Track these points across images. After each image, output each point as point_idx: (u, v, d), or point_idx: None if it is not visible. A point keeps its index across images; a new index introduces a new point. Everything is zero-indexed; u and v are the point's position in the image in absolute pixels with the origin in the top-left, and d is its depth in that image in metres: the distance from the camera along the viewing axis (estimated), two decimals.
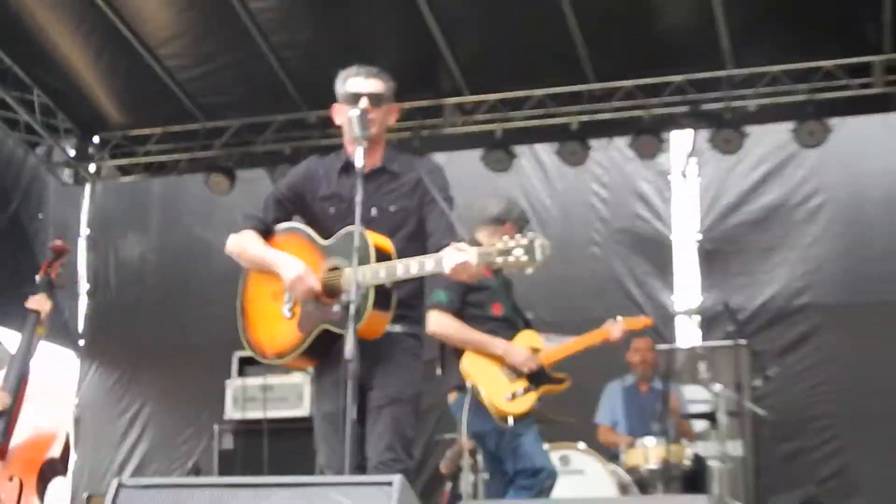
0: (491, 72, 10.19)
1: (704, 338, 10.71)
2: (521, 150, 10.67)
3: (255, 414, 9.37)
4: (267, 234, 4.99)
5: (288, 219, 5.04)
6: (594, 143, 10.33)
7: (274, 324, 4.85)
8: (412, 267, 4.49)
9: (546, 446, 7.80)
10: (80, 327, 12.24)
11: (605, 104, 10.20)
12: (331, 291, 4.67)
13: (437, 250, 4.57)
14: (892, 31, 9.43)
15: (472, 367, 6.32)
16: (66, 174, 11.24)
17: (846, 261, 10.67)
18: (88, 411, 12.10)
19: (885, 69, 9.71)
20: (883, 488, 9.89)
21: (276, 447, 8.95)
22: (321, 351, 4.76)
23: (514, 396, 6.32)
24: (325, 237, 4.84)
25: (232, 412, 9.52)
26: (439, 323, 6.33)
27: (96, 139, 11.25)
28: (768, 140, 10.74)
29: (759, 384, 8.53)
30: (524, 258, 4.19)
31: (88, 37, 10.01)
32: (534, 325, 6.81)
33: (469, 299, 6.42)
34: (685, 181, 11.09)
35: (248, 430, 9.38)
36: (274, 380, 9.39)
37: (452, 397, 6.46)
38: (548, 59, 10.05)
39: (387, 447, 4.66)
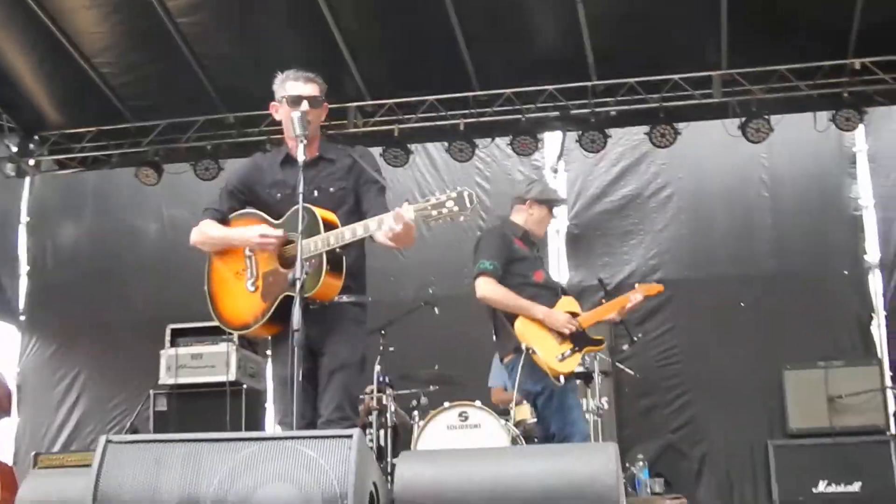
0: (389, 80, 10.25)
1: None
2: (416, 147, 10.72)
3: (185, 379, 9.30)
4: (224, 222, 5.09)
5: (241, 207, 5.18)
6: (479, 141, 10.40)
7: (240, 299, 4.99)
8: (358, 230, 4.71)
9: (447, 404, 7.99)
10: (21, 304, 12.15)
11: (487, 108, 10.30)
12: (288, 262, 4.74)
13: None
14: (728, 51, 9.71)
15: (526, 330, 6.23)
16: (9, 168, 11.07)
17: (691, 243, 11.14)
18: (29, 379, 12.00)
19: (723, 82, 10.00)
20: (722, 434, 10.29)
21: (206, 408, 8.92)
22: (283, 318, 4.84)
23: (563, 357, 6.20)
24: (276, 219, 5.02)
25: (166, 378, 9.40)
26: (486, 288, 6.30)
27: (37, 137, 11.06)
28: (626, 141, 11.03)
29: (626, 348, 8.73)
30: (455, 208, 4.43)
31: (33, 47, 9.96)
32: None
33: (512, 269, 6.35)
34: (556, 175, 11.28)
35: (179, 394, 9.30)
36: (203, 349, 9.36)
37: (508, 359, 6.44)
38: (438, 69, 10.10)
39: (336, 407, 4.84)
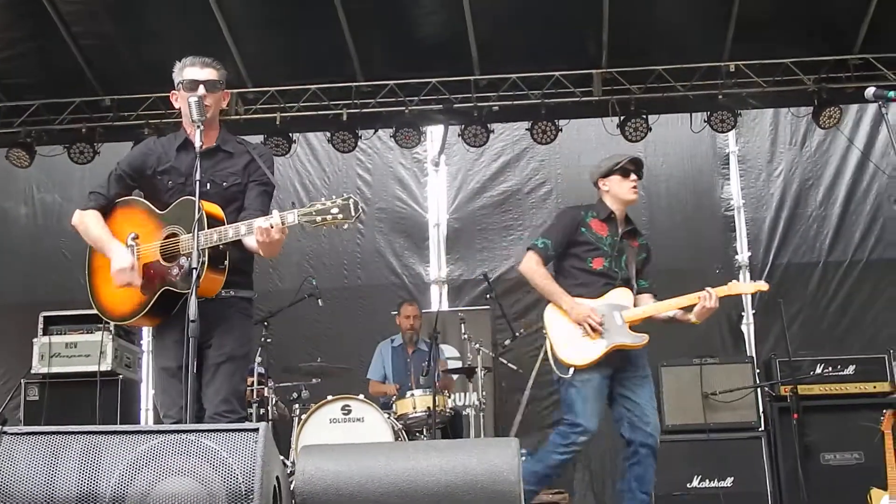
0: (271, 67, 10.10)
1: (451, 304, 10.97)
2: (297, 137, 10.62)
3: (59, 369, 9.01)
4: (109, 207, 4.91)
5: (128, 193, 5.14)
6: (361, 133, 10.33)
7: (119, 289, 4.78)
8: (241, 229, 4.63)
9: (330, 396, 7.95)
10: None
11: (371, 99, 10.24)
12: (169, 256, 4.67)
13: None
14: (609, 50, 9.87)
15: (550, 318, 6.09)
16: None
17: None
18: None
19: (603, 81, 10.15)
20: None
21: (79, 399, 8.67)
22: (163, 310, 4.84)
23: (580, 349, 5.93)
24: (162, 208, 4.92)
25: (38, 367, 9.09)
26: (528, 264, 6.15)
27: None
28: (507, 136, 11.14)
29: (507, 343, 8.80)
30: (340, 216, 4.45)
31: None
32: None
33: (573, 251, 6.14)
34: (437, 169, 11.33)
35: (52, 383, 9.00)
36: (78, 338, 9.08)
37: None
38: (322, 57, 10.01)
39: (223, 400, 4.76)
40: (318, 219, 4.40)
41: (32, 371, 9.14)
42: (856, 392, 8.48)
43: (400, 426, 8.14)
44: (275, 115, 10.22)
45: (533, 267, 6.12)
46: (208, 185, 4.85)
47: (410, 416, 8.26)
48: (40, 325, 9.28)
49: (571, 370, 5.92)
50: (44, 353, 9.07)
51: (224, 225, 4.67)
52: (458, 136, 10.32)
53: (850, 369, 8.53)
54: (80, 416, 8.34)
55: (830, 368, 8.47)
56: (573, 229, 6.16)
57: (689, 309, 6.11)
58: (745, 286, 6.71)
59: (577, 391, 5.97)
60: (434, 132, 11.22)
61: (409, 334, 9.44)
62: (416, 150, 11.15)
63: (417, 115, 10.30)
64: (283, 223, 4.44)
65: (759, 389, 8.67)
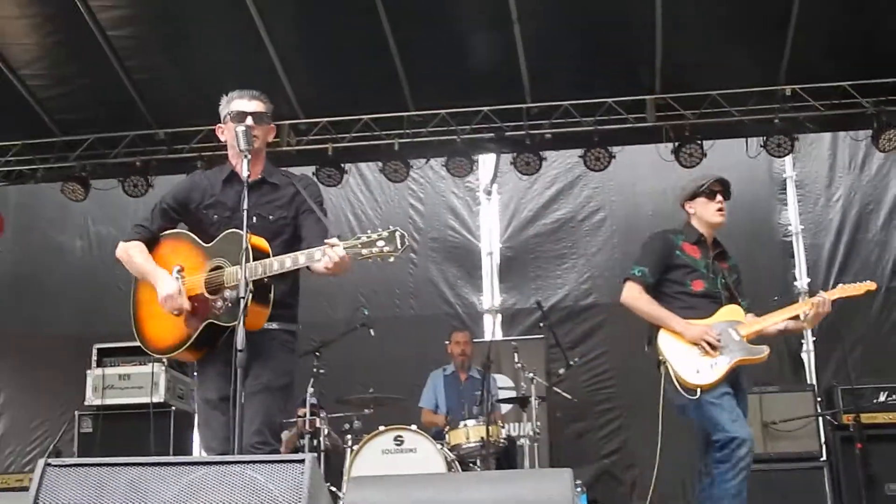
0: (323, 98, 10.14)
1: (504, 333, 10.90)
2: (349, 167, 10.61)
3: (112, 400, 9.05)
4: (154, 241, 4.96)
5: (173, 226, 5.09)
6: (413, 162, 10.31)
7: (163, 322, 4.83)
8: (287, 262, 4.57)
9: (382, 427, 7.89)
10: None
11: (422, 129, 10.23)
12: (214, 289, 4.62)
13: None
14: (662, 75, 9.78)
15: (665, 343, 5.92)
16: None
17: (623, 267, 10.90)
18: None
19: (656, 107, 10.07)
20: (653, 459, 10.22)
21: (133, 431, 8.70)
22: (207, 343, 4.78)
23: (702, 369, 5.74)
24: (208, 241, 4.88)
25: (92, 399, 9.14)
26: (628, 295, 6.05)
27: None
28: (560, 163, 11.06)
29: (561, 372, 8.69)
30: (386, 248, 4.37)
31: None
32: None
33: (669, 276, 6.01)
34: (489, 198, 11.28)
35: (106, 415, 9.05)
36: (131, 369, 9.12)
37: (661, 371, 6.04)
38: (373, 87, 10.02)
39: (256, 431, 4.64)
40: (364, 251, 4.34)
41: (86, 403, 9.19)
42: None
43: (453, 457, 8.05)
44: (326, 145, 10.25)
45: (636, 296, 6.01)
46: (254, 218, 4.78)
47: (464, 446, 8.16)
48: (94, 357, 9.34)
49: (698, 392, 5.73)
50: (97, 385, 9.12)
51: (269, 257, 4.63)
52: (511, 164, 10.26)
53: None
54: (134, 449, 8.34)
55: (894, 396, 8.26)
56: (668, 253, 6.04)
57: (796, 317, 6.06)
58: (854, 288, 6.42)
59: (716, 406, 5.73)
60: (486, 161, 11.16)
61: (459, 361, 9.36)
62: (468, 179, 11.08)
63: (469, 144, 10.28)
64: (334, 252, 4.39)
65: (820, 418, 8.48)
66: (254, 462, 3.55)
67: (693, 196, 6.19)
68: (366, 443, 7.90)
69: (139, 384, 9.03)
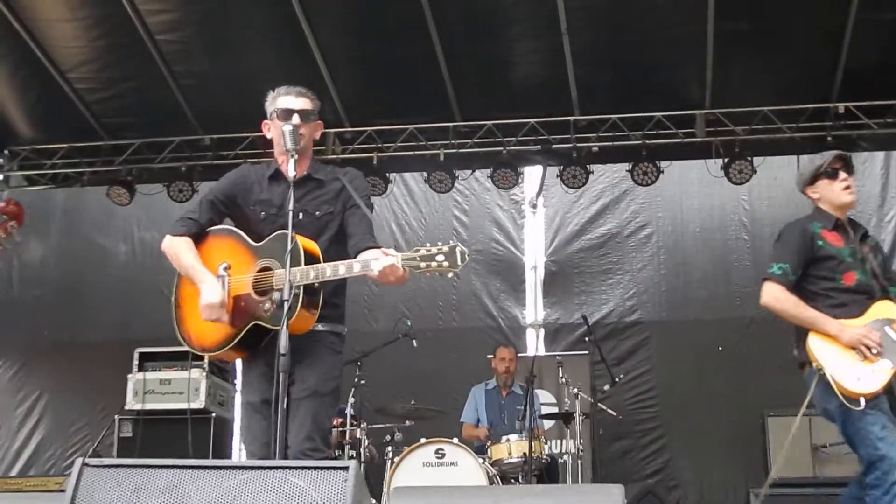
0: (369, 106, 10.09)
1: (547, 348, 10.79)
2: (394, 177, 10.55)
3: (153, 405, 9.02)
4: (201, 234, 4.87)
5: (220, 221, 4.95)
6: (458, 173, 10.23)
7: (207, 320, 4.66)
8: (340, 269, 4.45)
9: (423, 440, 7.79)
10: None
11: (468, 140, 10.16)
12: (262, 290, 4.54)
13: (357, 251, 4.61)
14: (713, 90, 9.64)
15: (818, 347, 5.31)
16: None
17: (669, 284, 11.06)
18: None
19: (706, 122, 9.93)
20: (698, 480, 10.16)
21: (173, 436, 8.63)
22: (250, 344, 4.66)
23: (861, 378, 5.16)
24: (255, 239, 4.78)
25: (132, 403, 9.12)
26: (772, 295, 5.41)
27: (6, 152, 10.78)
28: (606, 178, 10.95)
29: (606, 388, 8.56)
30: (445, 263, 4.26)
31: (5, 57, 9.65)
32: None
33: (815, 271, 5.41)
34: (535, 211, 11.18)
35: (146, 420, 9.01)
36: (172, 374, 9.08)
37: (805, 371, 5.49)
38: (420, 97, 9.96)
39: (306, 437, 4.55)
40: (423, 265, 4.23)
41: (126, 407, 9.17)
42: None
43: (494, 472, 7.94)
44: (372, 154, 10.20)
45: (779, 297, 5.37)
46: (300, 214, 4.70)
47: (505, 461, 8.04)
48: (135, 362, 9.32)
49: (862, 401, 5.12)
50: (138, 390, 9.09)
51: (319, 262, 4.55)
52: (557, 177, 10.16)
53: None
54: (173, 454, 8.23)
55: None
56: (809, 245, 5.42)
57: None
58: None
59: (872, 419, 5.12)
60: (531, 173, 11.07)
61: (503, 378, 9.25)
62: (514, 192, 10.99)
63: (515, 156, 10.19)
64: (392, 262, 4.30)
65: None
66: (297, 468, 3.47)
67: (813, 180, 5.58)
68: (406, 455, 7.80)
69: (180, 389, 8.99)
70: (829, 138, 9.62)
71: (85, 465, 3.54)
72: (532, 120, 10.09)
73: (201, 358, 8.93)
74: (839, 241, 5.42)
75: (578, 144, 10.03)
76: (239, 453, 10.10)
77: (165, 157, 10.46)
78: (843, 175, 5.49)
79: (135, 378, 9.22)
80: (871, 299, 5.33)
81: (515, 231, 11.35)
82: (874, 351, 5.13)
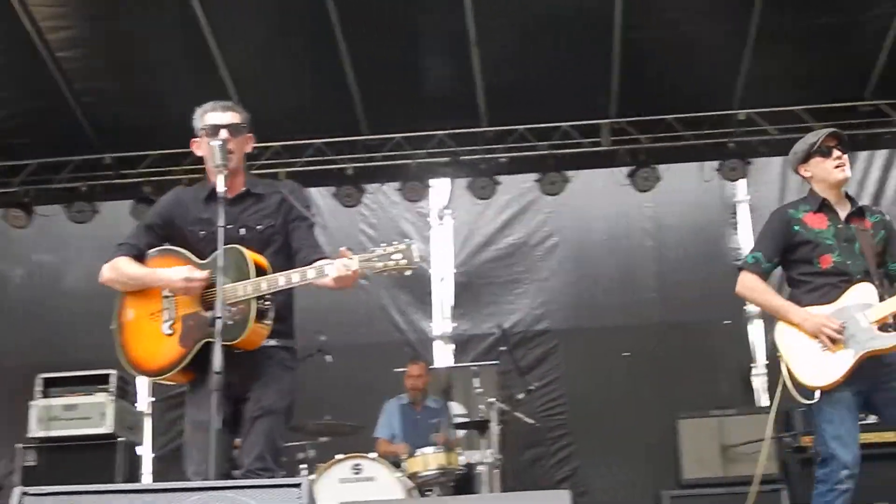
0: (276, 121, 10.01)
1: (456, 360, 10.85)
2: None
3: (58, 432, 8.78)
4: (140, 259, 4.81)
5: (160, 244, 4.86)
6: (367, 187, 10.24)
7: (154, 342, 4.66)
8: (294, 277, 4.42)
9: (339, 455, 7.76)
10: None
11: (377, 153, 10.18)
12: (212, 305, 4.49)
13: (306, 263, 4.53)
14: (618, 99, 9.85)
15: (782, 337, 5.24)
16: None
17: (576, 292, 11.19)
18: None
19: (612, 131, 10.14)
20: (607, 488, 10.28)
21: (81, 463, 8.45)
22: (202, 363, 4.52)
23: (822, 367, 5.05)
24: (200, 257, 4.71)
25: (36, 430, 8.87)
26: (743, 284, 5.37)
27: None
28: (512, 188, 11.04)
29: (520, 397, 8.66)
30: (403, 261, 4.27)
31: None
32: None
33: (794, 256, 5.31)
34: (442, 223, 11.23)
35: (51, 448, 8.77)
36: (77, 399, 8.84)
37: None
38: (327, 111, 9.97)
39: (257, 457, 4.51)
40: (380, 265, 4.25)
41: (30, 435, 8.88)
42: (879, 441, 8.17)
43: (412, 485, 7.96)
44: (278, 170, 10.09)
45: (749, 285, 5.35)
46: (243, 230, 4.69)
47: (421, 474, 8.04)
48: (38, 388, 9.02)
49: (817, 393, 5.05)
50: (42, 417, 8.81)
51: (269, 273, 4.51)
52: (466, 188, 10.25)
53: (872, 418, 8.39)
54: (81, 482, 8.09)
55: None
56: (785, 231, 5.36)
57: None
58: None
59: (828, 415, 5.08)
60: (439, 185, 11.12)
61: (412, 394, 9.28)
62: (420, 204, 10.99)
63: (424, 168, 10.28)
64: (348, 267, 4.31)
65: (779, 441, 8.53)
66: (248, 487, 3.46)
67: (806, 158, 5.47)
68: (323, 472, 7.78)
69: (86, 415, 8.77)
70: (730, 145, 9.94)
71: (24, 494, 3.48)
72: (440, 132, 10.17)
73: (106, 381, 8.79)
74: (822, 222, 5.35)
75: (487, 156, 10.14)
76: (149, 479, 9.94)
77: (64, 178, 10.20)
78: (836, 153, 5.40)
79: (38, 404, 8.93)
80: (848, 282, 5.23)
81: (423, 243, 11.37)
82: (834, 339, 5.03)
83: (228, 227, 4.50)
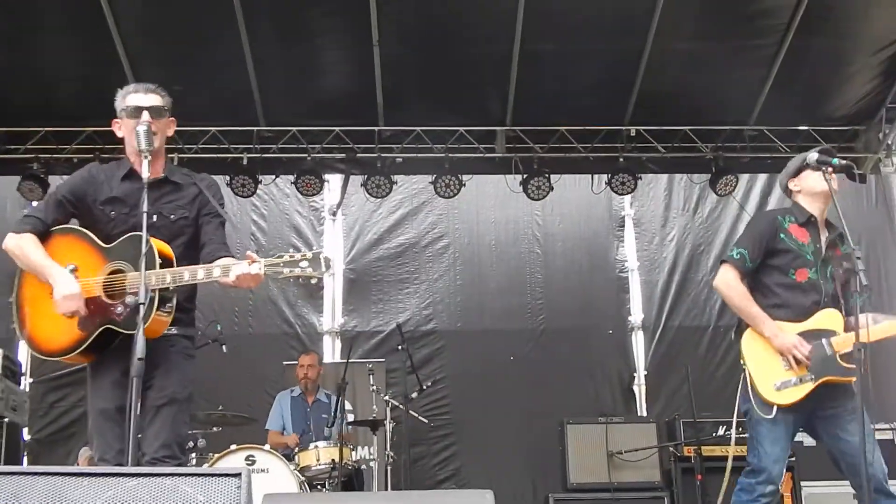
0: (173, 106, 9.84)
1: (343, 355, 10.89)
2: None
3: None
4: (45, 234, 4.74)
5: (66, 221, 4.81)
6: (262, 178, 10.20)
7: (53, 322, 4.59)
8: (199, 273, 4.43)
9: (233, 446, 7.76)
10: None
11: (272, 145, 10.16)
12: (113, 293, 4.49)
13: (212, 260, 4.55)
14: (514, 108, 10.02)
15: (749, 345, 5.29)
16: None
17: (464, 294, 11.39)
18: None
19: (507, 138, 10.31)
20: (489, 486, 10.35)
21: None
22: (100, 347, 4.55)
23: (783, 385, 5.16)
24: (104, 240, 4.68)
25: None
26: (724, 280, 5.36)
27: None
28: (406, 188, 11.18)
29: (414, 396, 8.78)
30: (309, 269, 4.32)
31: None
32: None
33: (772, 261, 5.35)
34: (334, 219, 11.28)
35: None
36: None
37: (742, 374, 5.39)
38: (226, 99, 9.90)
39: (163, 445, 4.51)
40: (286, 271, 4.28)
41: None
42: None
43: (302, 478, 7.99)
44: (172, 155, 9.93)
45: (730, 283, 5.35)
46: (155, 217, 4.63)
47: (313, 468, 8.09)
48: None
49: (775, 409, 5.13)
50: None
51: (173, 263, 4.53)
52: (361, 185, 10.27)
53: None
54: None
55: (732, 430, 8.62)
56: (772, 235, 5.41)
57: None
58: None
59: (768, 430, 5.17)
60: (332, 181, 11.15)
61: (304, 384, 9.30)
62: (314, 199, 11.05)
63: (320, 163, 10.26)
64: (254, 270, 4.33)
65: (662, 449, 8.84)
66: (188, 475, 3.45)
67: (797, 172, 5.56)
68: (216, 462, 7.75)
69: None
70: (621, 159, 10.20)
71: None
72: (337, 128, 10.19)
73: None
74: (805, 237, 5.42)
75: (383, 155, 10.21)
76: (27, 461, 9.70)
77: None
78: (827, 168, 5.40)
79: None
80: (817, 304, 5.31)
81: (314, 238, 11.32)
82: (800, 363, 5.15)
83: (141, 214, 4.45)
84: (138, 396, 4.17)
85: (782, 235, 5.41)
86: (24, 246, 4.68)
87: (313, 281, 4.39)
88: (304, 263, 4.32)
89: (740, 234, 5.70)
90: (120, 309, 4.46)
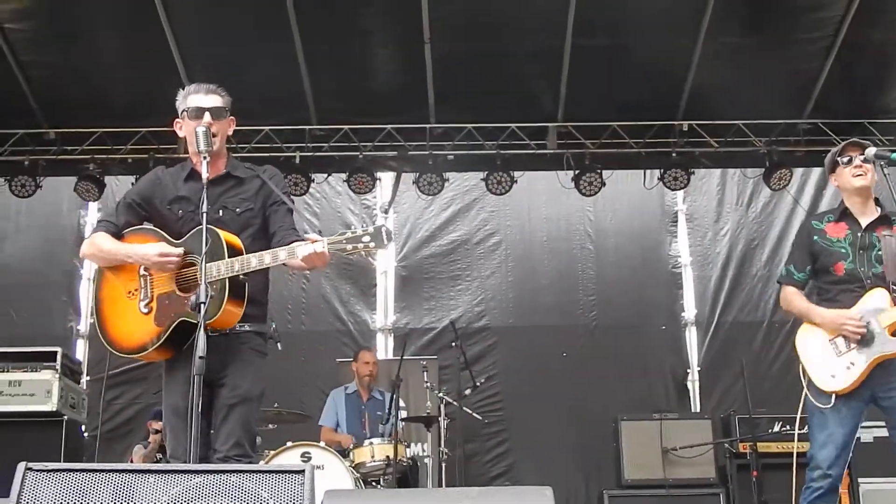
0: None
1: (395, 353, 10.95)
2: None
3: (2, 408, 8.60)
4: (118, 236, 4.85)
5: (139, 223, 4.92)
6: (314, 176, 10.26)
7: (131, 320, 4.71)
8: (266, 258, 4.48)
9: (289, 443, 7.81)
10: None
11: (324, 143, 10.21)
12: (186, 286, 4.60)
13: (283, 246, 4.57)
14: (565, 103, 9.99)
15: (802, 342, 5.40)
16: None
17: (516, 291, 11.36)
18: None
19: (558, 134, 10.27)
20: (542, 482, 10.33)
21: (22, 439, 8.32)
22: (176, 343, 4.64)
23: (835, 374, 5.20)
24: (175, 237, 4.77)
25: None
26: (781, 297, 5.65)
27: None
28: (457, 185, 11.19)
29: (467, 393, 8.79)
30: (371, 244, 4.34)
31: None
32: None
33: (817, 265, 5.50)
34: (386, 216, 11.30)
35: None
36: (22, 375, 8.67)
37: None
38: (278, 98, 9.94)
39: (235, 443, 4.57)
40: (349, 247, 4.32)
41: None
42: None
43: (358, 475, 8.04)
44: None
45: (785, 296, 5.60)
46: (221, 212, 4.75)
47: (368, 464, 8.13)
48: None
49: (833, 398, 5.17)
50: None
51: (243, 254, 4.55)
52: (413, 183, 10.31)
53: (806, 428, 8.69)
54: (23, 459, 7.97)
55: (789, 426, 8.56)
56: (808, 243, 5.57)
57: None
58: None
59: (818, 419, 5.23)
60: (384, 179, 11.19)
61: (366, 381, 9.35)
62: (366, 197, 11.11)
63: (371, 161, 10.28)
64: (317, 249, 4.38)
65: (716, 446, 8.80)
66: (252, 472, 3.51)
67: (833, 167, 5.65)
68: (272, 458, 7.83)
69: (31, 391, 8.66)
70: (673, 154, 10.15)
71: (28, 469, 3.51)
72: (389, 126, 10.20)
73: (53, 359, 8.70)
74: (842, 231, 5.50)
75: (434, 152, 10.24)
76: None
77: (7, 150, 10.02)
78: (856, 161, 5.51)
79: None
80: (862, 289, 5.33)
81: None
82: (859, 335, 5.17)
83: (201, 213, 4.52)
84: (199, 394, 4.23)
85: (816, 238, 5.54)
86: (98, 242, 4.83)
87: (376, 254, 4.42)
88: (367, 238, 4.35)
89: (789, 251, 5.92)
90: (192, 300, 4.50)
